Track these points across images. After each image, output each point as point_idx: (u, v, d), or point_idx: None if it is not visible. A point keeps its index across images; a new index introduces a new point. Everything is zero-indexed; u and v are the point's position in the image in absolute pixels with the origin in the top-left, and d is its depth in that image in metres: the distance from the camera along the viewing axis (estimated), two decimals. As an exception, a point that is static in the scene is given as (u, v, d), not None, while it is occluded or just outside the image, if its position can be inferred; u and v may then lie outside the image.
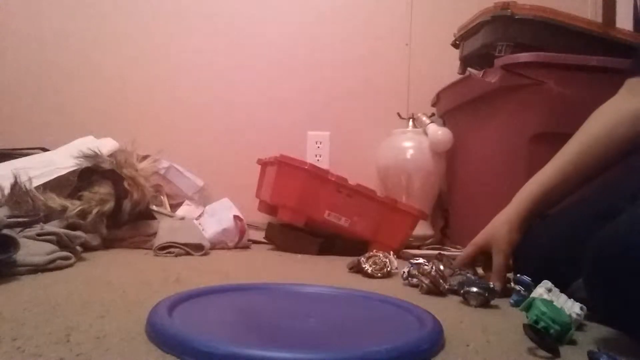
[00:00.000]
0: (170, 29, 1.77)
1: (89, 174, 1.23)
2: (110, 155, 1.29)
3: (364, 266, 0.99)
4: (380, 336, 0.56)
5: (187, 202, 1.57)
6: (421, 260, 0.93)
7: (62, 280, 0.79)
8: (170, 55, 1.77)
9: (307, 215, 1.29)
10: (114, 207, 1.20)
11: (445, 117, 1.66)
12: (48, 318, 0.56)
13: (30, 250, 0.85)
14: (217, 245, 1.32)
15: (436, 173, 1.59)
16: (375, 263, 0.99)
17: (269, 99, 1.78)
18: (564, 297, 0.65)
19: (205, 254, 1.18)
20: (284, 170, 1.31)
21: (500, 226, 0.84)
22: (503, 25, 1.28)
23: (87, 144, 1.33)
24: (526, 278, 0.75)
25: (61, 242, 0.95)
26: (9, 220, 0.92)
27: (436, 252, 1.08)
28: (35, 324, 0.53)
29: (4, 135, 1.66)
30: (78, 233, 1.03)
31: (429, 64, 1.77)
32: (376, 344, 0.47)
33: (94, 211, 1.16)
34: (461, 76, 1.47)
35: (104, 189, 1.20)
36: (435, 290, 0.81)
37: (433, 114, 1.68)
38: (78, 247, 1.00)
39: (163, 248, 1.15)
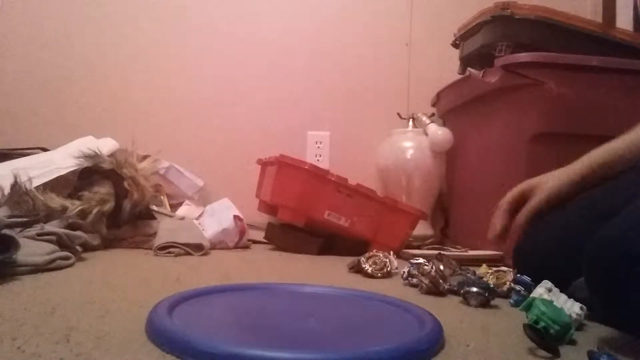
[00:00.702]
0: (170, 29, 1.77)
1: (89, 174, 1.23)
2: (110, 155, 1.29)
3: (364, 266, 0.99)
4: (380, 336, 0.56)
5: (187, 202, 1.57)
6: (421, 260, 0.93)
7: (62, 280, 0.79)
8: (170, 55, 1.77)
9: (307, 215, 1.29)
10: (114, 207, 1.20)
11: (445, 117, 1.66)
12: (48, 318, 0.56)
13: (30, 250, 0.85)
14: (217, 245, 1.32)
15: (436, 173, 1.59)
16: (375, 263, 0.99)
17: (269, 99, 1.78)
18: (564, 297, 0.65)
19: (205, 254, 1.18)
20: (284, 170, 1.31)
21: (549, 176, 0.87)
22: (503, 25, 1.28)
23: (87, 144, 1.33)
24: (526, 278, 0.75)
25: (61, 242, 0.95)
26: (9, 220, 0.92)
27: (436, 252, 1.08)
28: (35, 324, 0.53)
29: (4, 135, 1.66)
30: (78, 233, 1.03)
31: (429, 64, 1.77)
32: (376, 344, 0.47)
33: (94, 211, 1.16)
34: (461, 76, 1.46)
35: (104, 189, 1.20)
36: (435, 290, 0.81)
37: (433, 114, 1.68)
38: (78, 247, 1.00)
39: (163, 248, 1.15)
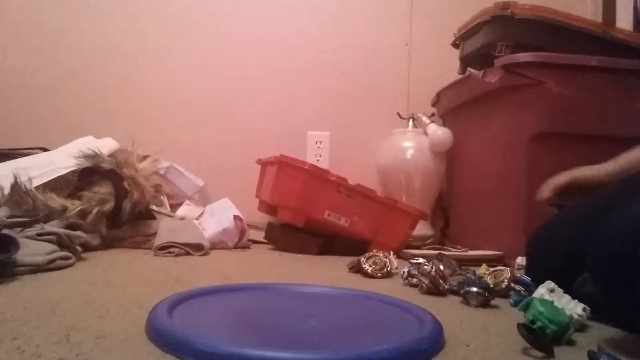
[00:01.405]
0: (170, 29, 1.77)
1: (89, 174, 1.23)
2: (110, 155, 1.29)
3: (364, 266, 0.99)
4: (380, 336, 0.56)
5: (187, 202, 1.57)
6: (421, 260, 0.93)
7: (62, 280, 0.79)
8: (170, 55, 1.77)
9: (307, 215, 1.29)
10: (114, 207, 1.20)
11: (445, 117, 1.66)
12: (48, 318, 0.56)
13: (30, 250, 0.85)
14: (217, 245, 1.32)
15: (436, 173, 1.59)
16: (375, 263, 0.99)
17: (269, 99, 1.78)
18: (567, 297, 0.65)
19: (205, 254, 1.18)
20: (284, 170, 1.31)
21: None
22: (503, 25, 1.28)
23: (87, 144, 1.33)
24: (526, 278, 0.75)
25: (61, 242, 0.95)
26: (9, 220, 0.92)
27: (436, 252, 1.08)
28: (35, 324, 0.53)
29: (4, 135, 1.66)
30: (78, 233, 1.03)
31: (429, 64, 1.77)
32: (376, 344, 0.47)
33: (94, 211, 1.16)
34: (461, 76, 1.46)
35: (104, 189, 1.20)
36: (435, 290, 0.81)
37: (433, 114, 1.68)
38: (78, 247, 1.00)
39: (163, 248, 1.15)
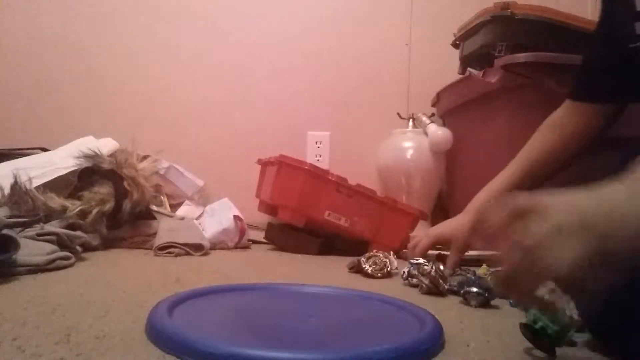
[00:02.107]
0: (170, 29, 1.77)
1: (89, 174, 1.23)
2: (110, 155, 1.29)
3: (364, 266, 0.99)
4: (380, 336, 0.56)
5: (187, 202, 1.57)
6: (421, 260, 0.93)
7: (62, 280, 0.79)
8: (170, 55, 1.77)
9: (307, 215, 1.29)
10: (114, 207, 1.20)
11: (445, 117, 1.66)
12: (48, 318, 0.56)
13: (30, 250, 0.85)
14: (217, 245, 1.32)
15: (436, 173, 1.59)
16: (375, 263, 0.99)
17: (269, 99, 1.78)
18: (567, 298, 0.65)
19: (205, 254, 1.18)
20: (284, 171, 1.31)
21: (461, 227, 0.96)
22: (503, 25, 1.28)
23: (87, 144, 1.33)
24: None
25: (61, 242, 0.95)
26: (9, 220, 0.92)
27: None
28: (35, 324, 0.53)
29: (4, 135, 1.66)
30: (78, 233, 1.03)
31: (429, 64, 1.77)
32: (376, 344, 0.47)
33: (94, 211, 1.16)
34: (461, 76, 1.46)
35: (104, 189, 1.20)
36: (435, 290, 0.81)
37: (433, 114, 1.68)
38: (78, 247, 1.00)
39: (163, 248, 1.15)
